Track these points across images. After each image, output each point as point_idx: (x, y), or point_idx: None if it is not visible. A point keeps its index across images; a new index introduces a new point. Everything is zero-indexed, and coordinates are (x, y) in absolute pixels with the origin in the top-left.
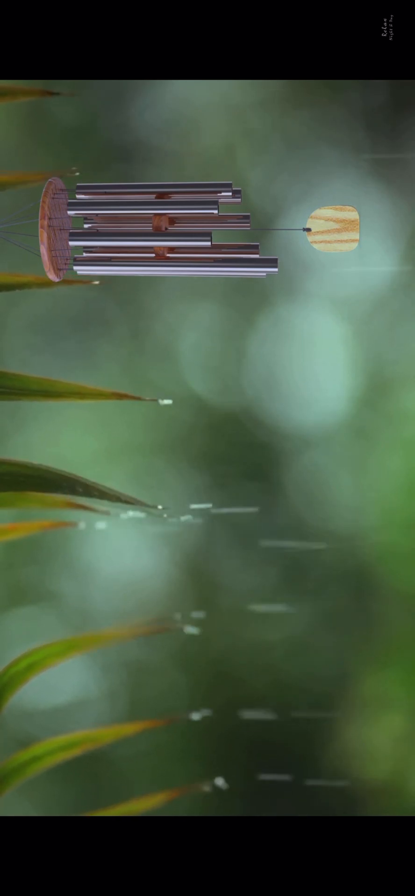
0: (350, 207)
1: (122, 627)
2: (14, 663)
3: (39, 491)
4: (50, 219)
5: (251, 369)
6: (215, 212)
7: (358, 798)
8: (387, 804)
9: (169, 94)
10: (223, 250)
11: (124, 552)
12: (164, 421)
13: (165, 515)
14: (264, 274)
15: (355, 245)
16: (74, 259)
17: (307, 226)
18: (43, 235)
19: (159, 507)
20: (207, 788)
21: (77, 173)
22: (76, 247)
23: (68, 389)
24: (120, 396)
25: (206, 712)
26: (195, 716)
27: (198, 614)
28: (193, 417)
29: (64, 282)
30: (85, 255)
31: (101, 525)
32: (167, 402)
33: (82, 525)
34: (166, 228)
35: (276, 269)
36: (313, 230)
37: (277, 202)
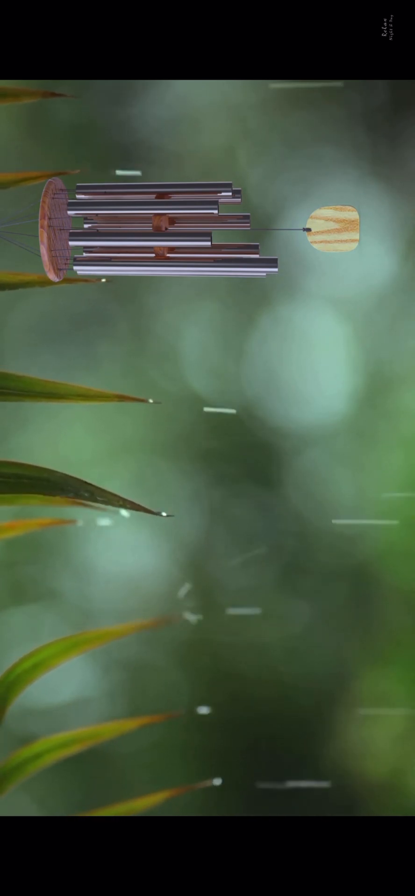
0: (350, 207)
1: (127, 623)
2: (20, 662)
3: (44, 494)
4: (50, 219)
5: (251, 369)
6: (215, 212)
7: (358, 798)
8: (387, 803)
9: (169, 94)
10: (223, 250)
11: (125, 550)
12: (164, 420)
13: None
14: (264, 274)
15: (355, 245)
16: (74, 259)
17: (307, 226)
18: (43, 235)
19: (170, 514)
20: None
21: (77, 171)
22: (76, 247)
23: (72, 391)
24: (122, 398)
25: (205, 710)
26: (195, 711)
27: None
28: (193, 417)
29: (66, 280)
30: (85, 255)
31: (101, 523)
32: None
33: (81, 523)
34: (166, 228)
35: (276, 269)
36: (312, 230)
37: (277, 202)
